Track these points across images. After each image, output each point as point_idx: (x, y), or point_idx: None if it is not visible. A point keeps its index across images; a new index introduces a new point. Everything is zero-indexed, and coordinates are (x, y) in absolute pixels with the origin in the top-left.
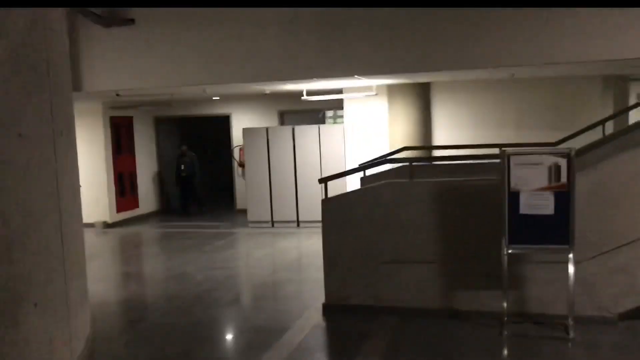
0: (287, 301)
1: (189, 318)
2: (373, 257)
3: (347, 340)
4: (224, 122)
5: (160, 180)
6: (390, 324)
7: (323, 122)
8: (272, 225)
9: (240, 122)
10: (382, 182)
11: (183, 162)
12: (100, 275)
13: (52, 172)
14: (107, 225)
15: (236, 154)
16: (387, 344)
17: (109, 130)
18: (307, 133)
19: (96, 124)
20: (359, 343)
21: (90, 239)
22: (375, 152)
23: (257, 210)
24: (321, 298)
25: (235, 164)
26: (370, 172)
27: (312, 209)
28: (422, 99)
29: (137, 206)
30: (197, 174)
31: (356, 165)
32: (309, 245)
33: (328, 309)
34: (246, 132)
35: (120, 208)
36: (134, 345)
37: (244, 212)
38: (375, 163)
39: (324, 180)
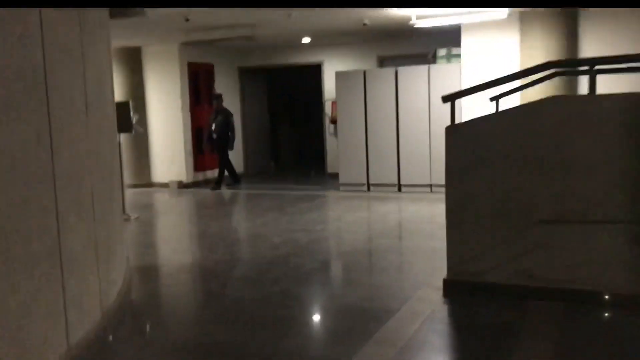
0: (388, 274)
1: (258, 290)
2: (524, 214)
3: (486, 335)
4: (316, 73)
5: (245, 138)
6: (551, 314)
7: (434, 62)
8: (368, 189)
9: (333, 72)
10: (543, 98)
11: (215, 120)
12: (163, 235)
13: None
14: (182, 186)
15: (328, 108)
16: (553, 346)
17: (186, 77)
18: (413, 75)
19: (172, 70)
20: (505, 340)
21: (163, 199)
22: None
23: (350, 171)
24: (438, 273)
25: (327, 121)
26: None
27: (418, 170)
28: (566, 29)
29: (218, 166)
30: (230, 138)
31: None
32: (415, 211)
33: (452, 288)
34: (340, 76)
35: (198, 167)
36: (170, 328)
37: (336, 176)
38: (532, 71)
39: (450, 98)
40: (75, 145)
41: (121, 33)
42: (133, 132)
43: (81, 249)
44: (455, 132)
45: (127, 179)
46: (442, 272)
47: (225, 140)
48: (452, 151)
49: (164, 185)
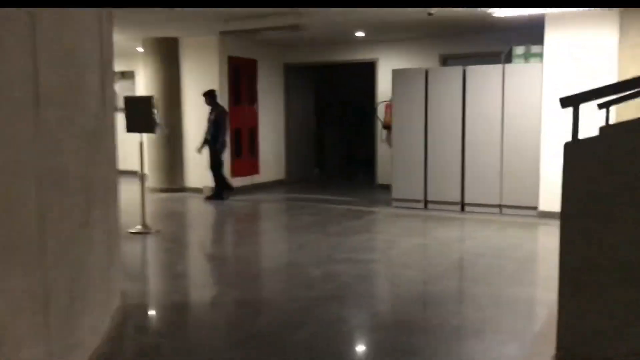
0: (466, 341)
1: None
2: None
3: None
4: (369, 72)
5: (287, 141)
6: None
7: (508, 62)
8: (425, 207)
9: (389, 71)
10: None
11: (209, 119)
12: (182, 257)
13: None
14: None
15: (381, 112)
16: None
17: (225, 72)
18: (484, 76)
19: (211, 64)
20: None
21: (193, 207)
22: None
23: (405, 184)
24: (538, 345)
25: (379, 125)
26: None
27: (486, 188)
28: None
29: (257, 172)
30: (218, 138)
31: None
32: (485, 239)
33: None
34: (397, 75)
35: (235, 172)
36: None
37: (387, 188)
38: None
39: (573, 102)
40: (8, 151)
41: (155, 22)
42: (157, 132)
43: (11, 313)
44: (583, 152)
45: (157, 182)
46: (544, 342)
47: (215, 142)
48: (575, 179)
49: (198, 191)
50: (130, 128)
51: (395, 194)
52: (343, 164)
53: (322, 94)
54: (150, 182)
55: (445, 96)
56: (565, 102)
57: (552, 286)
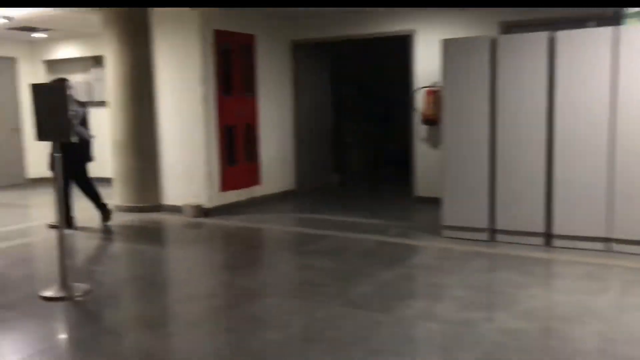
0: None
1: None
2: None
3: None
4: (402, 49)
5: (299, 142)
6: None
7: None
8: (492, 239)
9: (431, 46)
10: None
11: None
12: None
13: None
14: (203, 212)
15: (419, 101)
16: None
17: (211, 54)
18: (584, 45)
19: (190, 40)
20: None
21: (162, 241)
22: None
23: (462, 206)
24: None
25: (417, 119)
26: None
27: (585, 212)
28: None
29: (258, 182)
30: (85, 138)
31: None
32: (613, 316)
33: None
34: (448, 47)
35: (227, 184)
36: None
37: (430, 203)
38: None
39: None
40: None
41: None
42: (75, 138)
43: None
44: None
45: (124, 199)
46: None
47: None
48: None
49: (176, 209)
50: (42, 134)
51: (447, 218)
52: (369, 168)
53: (342, 79)
54: (116, 199)
55: (523, 77)
56: None
57: None
